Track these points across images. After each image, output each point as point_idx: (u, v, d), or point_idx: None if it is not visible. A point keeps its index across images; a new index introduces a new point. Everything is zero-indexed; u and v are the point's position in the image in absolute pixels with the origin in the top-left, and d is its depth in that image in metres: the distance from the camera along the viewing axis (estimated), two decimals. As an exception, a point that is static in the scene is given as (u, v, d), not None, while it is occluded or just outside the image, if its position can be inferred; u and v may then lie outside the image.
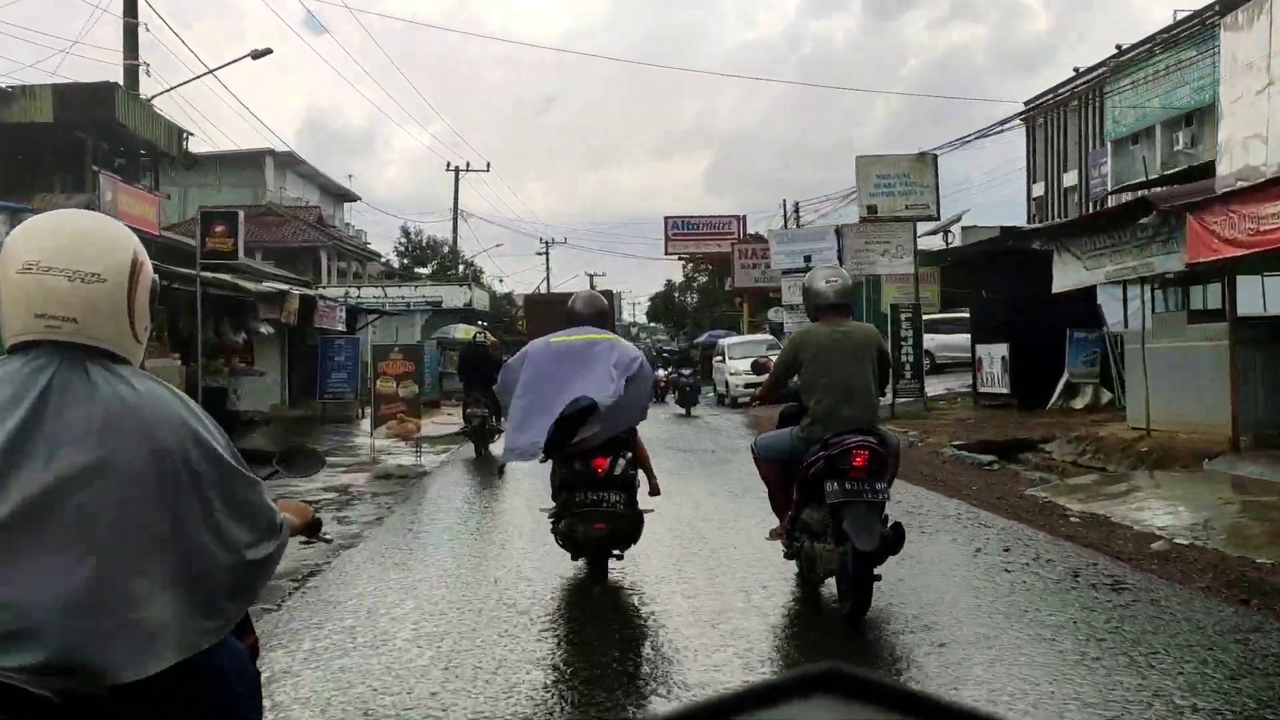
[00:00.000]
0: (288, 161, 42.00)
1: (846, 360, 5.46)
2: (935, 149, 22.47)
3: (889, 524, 5.16)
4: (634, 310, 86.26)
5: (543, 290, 63.55)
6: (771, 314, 42.77)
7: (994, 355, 18.90)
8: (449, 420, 19.57)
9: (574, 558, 6.32)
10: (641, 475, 6.25)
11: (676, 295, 63.97)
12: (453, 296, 39.11)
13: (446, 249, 52.94)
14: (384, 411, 16.22)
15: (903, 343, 20.20)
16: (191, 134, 26.10)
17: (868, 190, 21.02)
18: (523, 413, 5.93)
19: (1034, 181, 32.85)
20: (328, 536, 5.78)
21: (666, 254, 44.12)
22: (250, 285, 18.80)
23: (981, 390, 19.73)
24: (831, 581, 5.47)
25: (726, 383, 26.58)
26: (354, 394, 22.67)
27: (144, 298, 1.90)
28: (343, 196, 50.33)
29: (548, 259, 66.37)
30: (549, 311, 28.81)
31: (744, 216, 44.74)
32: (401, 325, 34.54)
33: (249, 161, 38.32)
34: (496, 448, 12.78)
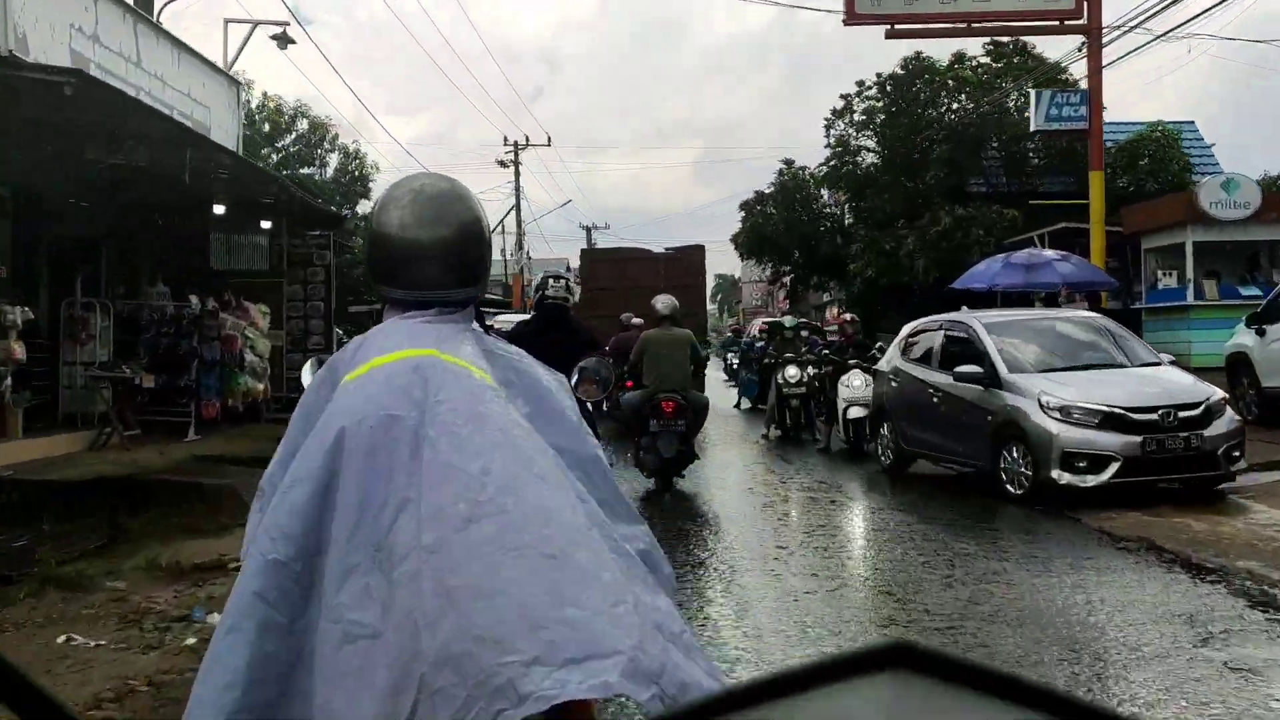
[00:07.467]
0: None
1: (670, 350, 9.41)
2: None
3: (686, 445, 9.31)
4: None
5: (523, 230, 42.68)
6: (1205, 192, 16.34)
7: None
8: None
9: None
10: None
11: (812, 175, 28.52)
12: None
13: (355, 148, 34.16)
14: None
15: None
16: None
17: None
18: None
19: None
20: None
21: (850, 17, 17.61)
22: None
23: None
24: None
25: None
26: None
27: None
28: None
29: (517, 172, 41.75)
30: (617, 274, 19.62)
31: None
32: None
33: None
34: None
